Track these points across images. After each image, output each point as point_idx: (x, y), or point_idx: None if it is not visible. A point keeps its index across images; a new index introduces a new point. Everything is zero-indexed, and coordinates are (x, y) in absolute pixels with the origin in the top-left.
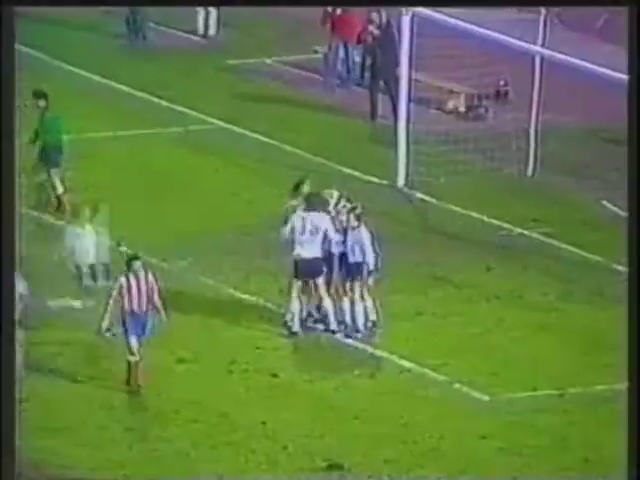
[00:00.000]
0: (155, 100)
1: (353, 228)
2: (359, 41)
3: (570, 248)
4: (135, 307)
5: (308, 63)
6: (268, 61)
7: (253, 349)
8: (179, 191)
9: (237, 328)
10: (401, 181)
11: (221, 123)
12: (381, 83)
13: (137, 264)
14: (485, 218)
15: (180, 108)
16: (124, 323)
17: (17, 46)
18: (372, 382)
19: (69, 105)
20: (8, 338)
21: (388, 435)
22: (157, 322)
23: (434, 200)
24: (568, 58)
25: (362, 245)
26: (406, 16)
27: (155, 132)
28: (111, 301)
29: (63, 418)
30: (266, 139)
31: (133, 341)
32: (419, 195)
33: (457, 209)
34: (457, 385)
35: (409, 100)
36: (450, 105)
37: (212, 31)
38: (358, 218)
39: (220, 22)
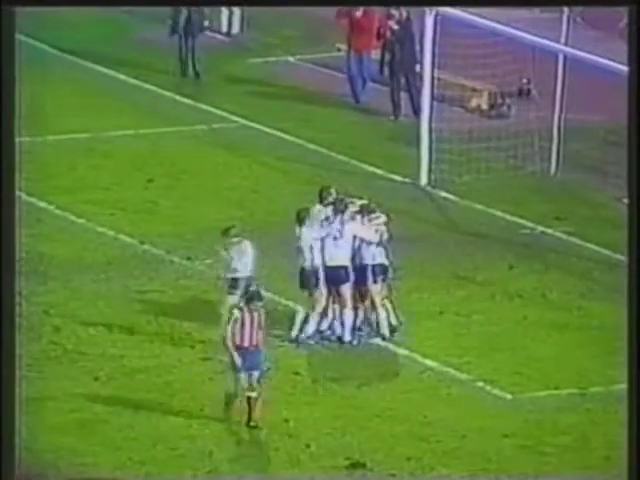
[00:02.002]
0: (178, 98)
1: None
2: (378, 37)
3: (592, 246)
4: (247, 342)
5: (331, 61)
6: (291, 59)
7: (275, 347)
8: (202, 189)
9: None
10: (423, 179)
11: (244, 121)
12: (402, 79)
13: (258, 304)
14: (507, 216)
15: (203, 106)
16: (238, 359)
17: (40, 44)
18: (394, 380)
19: (91, 103)
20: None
21: (410, 433)
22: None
23: (456, 198)
24: (591, 56)
25: (383, 250)
26: (429, 14)
27: (178, 130)
28: (229, 335)
29: (85, 416)
30: (289, 137)
31: (250, 377)
32: (441, 193)
33: (479, 207)
34: (480, 383)
35: (432, 98)
36: (473, 103)
37: (235, 29)
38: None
39: (243, 20)
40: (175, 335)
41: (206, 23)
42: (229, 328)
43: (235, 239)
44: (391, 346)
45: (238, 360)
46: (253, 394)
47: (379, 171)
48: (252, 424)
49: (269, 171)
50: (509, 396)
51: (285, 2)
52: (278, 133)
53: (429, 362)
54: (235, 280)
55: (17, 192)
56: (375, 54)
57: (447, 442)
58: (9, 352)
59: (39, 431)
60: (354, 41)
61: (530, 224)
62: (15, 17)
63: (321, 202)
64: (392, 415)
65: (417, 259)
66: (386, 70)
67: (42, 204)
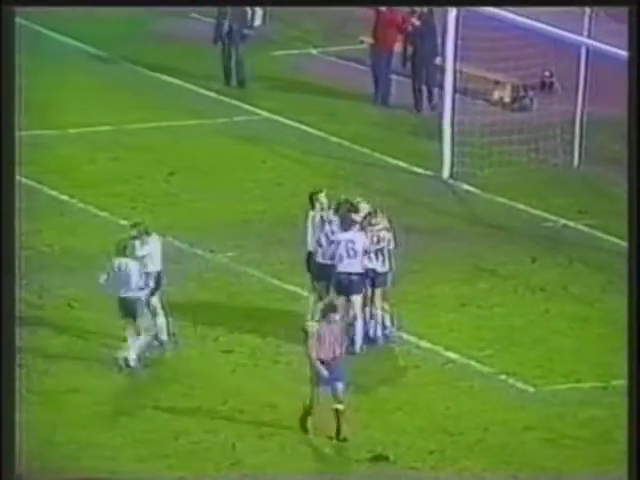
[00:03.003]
0: (201, 91)
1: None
2: (400, 31)
3: (614, 239)
4: (327, 355)
5: (353, 54)
6: (314, 52)
7: (298, 340)
8: (224, 182)
9: (282, 318)
10: (446, 172)
11: (266, 114)
12: (424, 73)
13: (336, 316)
14: (530, 209)
15: (225, 99)
16: (324, 372)
17: (61, 38)
18: (417, 373)
19: (112, 96)
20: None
21: (433, 426)
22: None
23: (479, 191)
24: (614, 49)
25: (385, 255)
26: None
27: (200, 123)
28: (313, 352)
29: (107, 409)
30: (311, 130)
31: (334, 389)
32: (464, 186)
33: (502, 200)
34: (502, 376)
35: (454, 91)
36: (495, 96)
37: (258, 22)
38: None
39: (266, 13)
40: (198, 328)
41: (246, 32)
42: (309, 342)
43: (145, 236)
44: (413, 338)
45: (324, 373)
46: (340, 406)
47: (402, 164)
48: (342, 437)
49: (291, 164)
50: (531, 389)
51: (287, 2)
52: (301, 126)
53: (451, 354)
54: (146, 275)
55: (39, 186)
56: (397, 48)
57: (469, 435)
58: (9, 348)
59: (61, 424)
60: (379, 35)
61: (552, 217)
62: (15, 17)
63: (312, 208)
64: (414, 408)
65: (439, 252)
66: (408, 64)
67: (64, 197)
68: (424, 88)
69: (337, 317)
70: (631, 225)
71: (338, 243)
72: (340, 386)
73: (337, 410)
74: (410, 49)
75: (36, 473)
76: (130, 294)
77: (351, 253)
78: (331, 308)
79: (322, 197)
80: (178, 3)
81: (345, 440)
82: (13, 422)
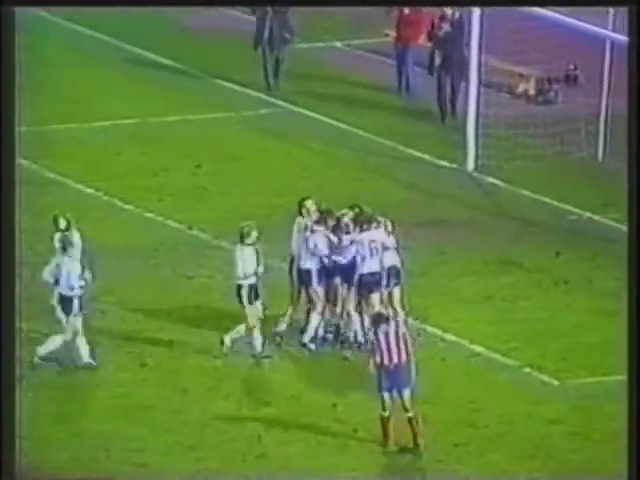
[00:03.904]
0: (227, 84)
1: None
2: (429, 38)
3: None
4: (388, 361)
5: (378, 46)
6: (338, 45)
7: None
8: (250, 174)
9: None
10: (470, 165)
11: (292, 107)
12: (450, 84)
13: (383, 326)
14: (554, 202)
15: (251, 92)
16: (382, 379)
17: (92, 33)
18: (442, 366)
19: (138, 89)
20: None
21: (458, 419)
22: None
23: (503, 184)
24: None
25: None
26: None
27: (226, 115)
28: (378, 358)
29: (133, 401)
30: (337, 123)
31: (400, 396)
32: (488, 179)
33: (527, 193)
34: (527, 369)
35: (479, 84)
36: (520, 89)
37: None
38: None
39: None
40: (223, 320)
41: (288, 35)
42: (371, 350)
43: (67, 233)
44: (438, 331)
45: (382, 380)
46: (410, 414)
47: (426, 157)
48: (415, 445)
49: (317, 157)
50: (556, 382)
51: (289, 2)
52: (326, 119)
53: (476, 347)
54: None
55: (64, 179)
56: (422, 41)
57: (494, 428)
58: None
59: (87, 417)
60: (402, 31)
61: (577, 210)
62: (15, 17)
63: (301, 214)
64: (440, 400)
65: (464, 244)
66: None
67: (89, 190)
68: (448, 98)
69: (390, 328)
70: (631, 222)
71: (361, 243)
72: (406, 393)
73: (410, 419)
74: (438, 58)
75: (66, 464)
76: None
77: (374, 252)
78: (381, 318)
79: (310, 204)
80: (178, 3)
81: (418, 447)
82: (13, 414)
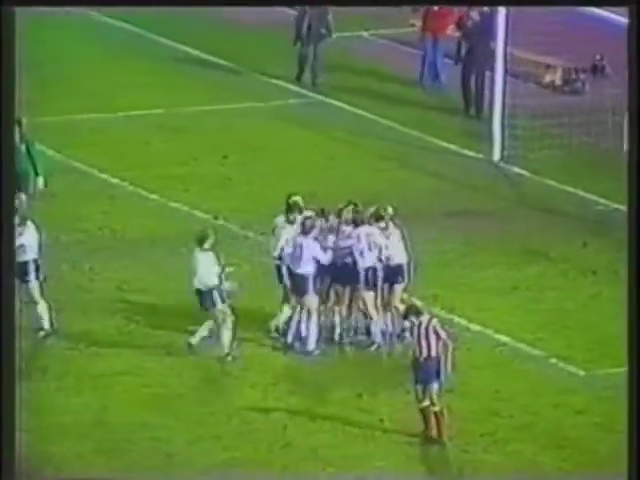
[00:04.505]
0: (254, 74)
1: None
2: (458, 27)
3: None
4: (416, 354)
5: (404, 36)
6: (365, 34)
7: (348, 322)
8: (276, 164)
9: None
10: (497, 155)
11: (318, 96)
12: (475, 76)
13: (415, 319)
14: (581, 193)
15: (278, 82)
16: (415, 371)
17: (118, 23)
18: (468, 356)
19: (164, 79)
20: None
21: (483, 409)
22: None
23: (529, 174)
24: None
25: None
26: None
27: (253, 106)
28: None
29: (159, 391)
30: (363, 112)
31: (428, 389)
32: (514, 169)
33: (553, 184)
34: (553, 360)
35: (505, 73)
36: (547, 79)
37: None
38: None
39: None
40: (249, 310)
41: (325, 31)
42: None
43: (24, 225)
44: (464, 321)
45: (414, 372)
46: (435, 408)
47: (452, 147)
48: (435, 437)
49: (343, 147)
50: (582, 372)
51: (289, 2)
52: (352, 109)
53: (502, 337)
54: (24, 264)
55: (89, 169)
56: (450, 31)
57: (520, 418)
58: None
59: (113, 407)
60: (429, 23)
61: (603, 201)
62: (15, 17)
63: (288, 213)
64: (465, 390)
65: (490, 235)
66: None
67: (115, 180)
68: (475, 88)
69: (422, 318)
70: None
71: (358, 237)
72: (434, 386)
73: (436, 412)
74: (465, 48)
75: (90, 455)
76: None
77: (372, 246)
78: (413, 311)
79: (298, 200)
80: (179, 3)
81: (442, 441)
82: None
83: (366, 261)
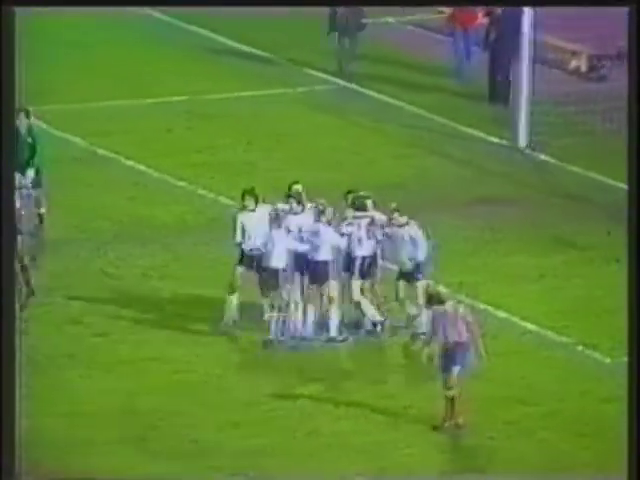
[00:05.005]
0: (277, 60)
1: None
2: (487, 14)
3: None
4: (450, 342)
5: (431, 23)
6: (391, 20)
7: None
8: (301, 151)
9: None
10: (522, 142)
11: (344, 83)
12: (502, 63)
13: (439, 307)
14: (606, 180)
15: (302, 68)
16: (444, 355)
17: (150, 12)
18: (494, 343)
19: (189, 66)
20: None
21: (509, 396)
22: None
23: (555, 161)
24: None
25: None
26: None
27: (278, 92)
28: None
29: (186, 378)
30: (388, 99)
31: (444, 375)
32: (540, 156)
33: (578, 170)
34: (579, 347)
35: (531, 60)
36: (572, 66)
37: None
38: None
39: None
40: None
41: (364, 21)
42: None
43: None
44: (490, 308)
45: (440, 359)
46: (449, 393)
47: (478, 133)
48: (447, 424)
49: (368, 133)
50: (608, 360)
51: (289, 2)
52: (378, 95)
53: (528, 325)
54: None
55: (115, 156)
56: (480, 19)
57: (546, 405)
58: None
59: (140, 392)
60: (459, 13)
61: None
62: (15, 17)
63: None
64: (491, 377)
65: (515, 222)
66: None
67: (141, 167)
68: (501, 75)
69: (446, 306)
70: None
71: (358, 225)
72: (454, 371)
73: (448, 395)
74: (493, 35)
75: (117, 442)
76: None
77: (370, 234)
78: (435, 299)
79: (298, 189)
80: (180, 3)
81: (459, 427)
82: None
83: (363, 250)
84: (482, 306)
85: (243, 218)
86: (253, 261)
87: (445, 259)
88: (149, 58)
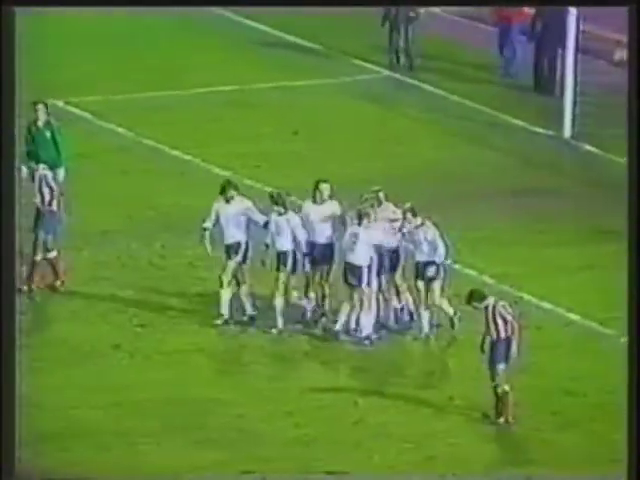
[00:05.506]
0: (323, 50)
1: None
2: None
3: None
4: (493, 337)
5: (475, 12)
6: (436, 10)
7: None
8: (346, 140)
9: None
10: (567, 132)
11: (388, 72)
12: (548, 54)
13: (478, 305)
14: None
15: (348, 58)
16: (491, 350)
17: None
18: (539, 335)
19: (235, 56)
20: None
21: (555, 387)
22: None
23: (600, 152)
24: None
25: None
26: None
27: (323, 82)
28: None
29: (232, 368)
30: (432, 88)
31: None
32: (585, 146)
33: (623, 161)
34: (624, 339)
35: (576, 50)
36: (617, 56)
37: None
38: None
39: None
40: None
41: (412, 14)
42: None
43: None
44: (534, 299)
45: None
46: (499, 389)
47: (523, 123)
48: (500, 420)
49: (412, 123)
50: None
51: (290, 2)
52: (422, 85)
53: (573, 316)
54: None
55: (160, 146)
56: (527, 12)
57: (593, 397)
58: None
59: (185, 383)
60: (505, 12)
61: None
62: (15, 17)
63: (314, 198)
64: (536, 369)
65: (560, 212)
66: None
67: (186, 157)
68: (547, 65)
69: (487, 302)
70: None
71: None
72: (499, 368)
73: (497, 392)
74: (539, 25)
75: (161, 432)
76: None
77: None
78: (476, 296)
79: (324, 187)
80: (180, 3)
81: (506, 422)
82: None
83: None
84: (526, 297)
85: (219, 207)
86: (229, 251)
87: (489, 250)
88: (195, 49)
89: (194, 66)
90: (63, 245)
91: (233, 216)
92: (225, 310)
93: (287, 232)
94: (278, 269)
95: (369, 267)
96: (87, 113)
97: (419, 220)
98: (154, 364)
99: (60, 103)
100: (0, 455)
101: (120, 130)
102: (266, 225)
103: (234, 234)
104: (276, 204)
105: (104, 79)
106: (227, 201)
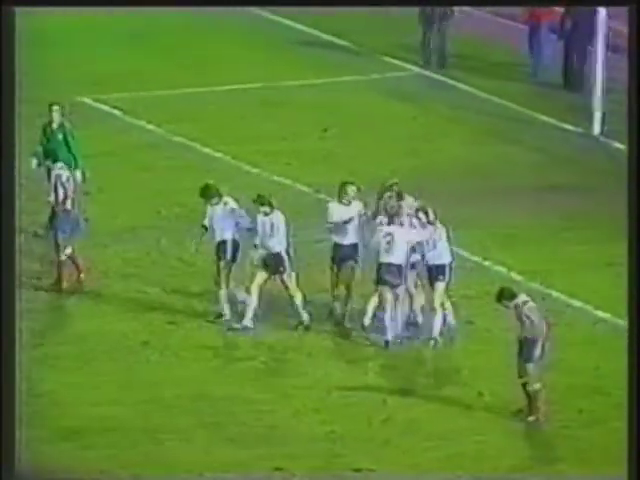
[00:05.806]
0: (352, 47)
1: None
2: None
3: None
4: (523, 334)
5: (506, 10)
6: (466, 8)
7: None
8: (376, 138)
9: None
10: (596, 130)
11: (418, 69)
12: (577, 52)
13: (509, 303)
14: None
15: (377, 55)
16: (521, 349)
17: None
18: (567, 332)
19: (263, 53)
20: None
21: (583, 385)
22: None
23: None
24: None
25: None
26: None
27: (352, 79)
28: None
29: (257, 365)
30: (462, 86)
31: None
32: (614, 144)
33: None
34: None
35: (605, 47)
36: None
37: None
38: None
39: None
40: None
41: (449, 11)
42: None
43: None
44: (563, 297)
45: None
46: (529, 388)
47: (552, 120)
48: (531, 418)
49: (442, 120)
50: None
51: (291, 2)
52: (451, 81)
53: (601, 314)
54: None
55: (191, 143)
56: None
57: (620, 395)
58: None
59: (214, 380)
60: (535, 10)
61: None
62: (15, 17)
63: (340, 198)
64: (564, 366)
65: (589, 209)
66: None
67: (217, 154)
68: (576, 63)
69: (517, 300)
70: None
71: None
72: (529, 366)
73: (527, 390)
74: (568, 23)
75: (191, 428)
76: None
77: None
78: (506, 295)
79: (350, 189)
80: (181, 3)
81: (537, 421)
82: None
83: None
84: (555, 294)
85: (210, 210)
86: (219, 252)
87: (518, 247)
88: (225, 47)
89: (224, 64)
90: (91, 242)
91: (221, 218)
92: (226, 310)
93: (275, 232)
94: (271, 270)
95: (406, 265)
96: (116, 110)
97: (431, 216)
98: (183, 361)
99: (88, 100)
100: (0, 455)
101: (150, 127)
102: (250, 230)
103: (222, 234)
104: (262, 205)
105: (132, 74)
106: (214, 203)
